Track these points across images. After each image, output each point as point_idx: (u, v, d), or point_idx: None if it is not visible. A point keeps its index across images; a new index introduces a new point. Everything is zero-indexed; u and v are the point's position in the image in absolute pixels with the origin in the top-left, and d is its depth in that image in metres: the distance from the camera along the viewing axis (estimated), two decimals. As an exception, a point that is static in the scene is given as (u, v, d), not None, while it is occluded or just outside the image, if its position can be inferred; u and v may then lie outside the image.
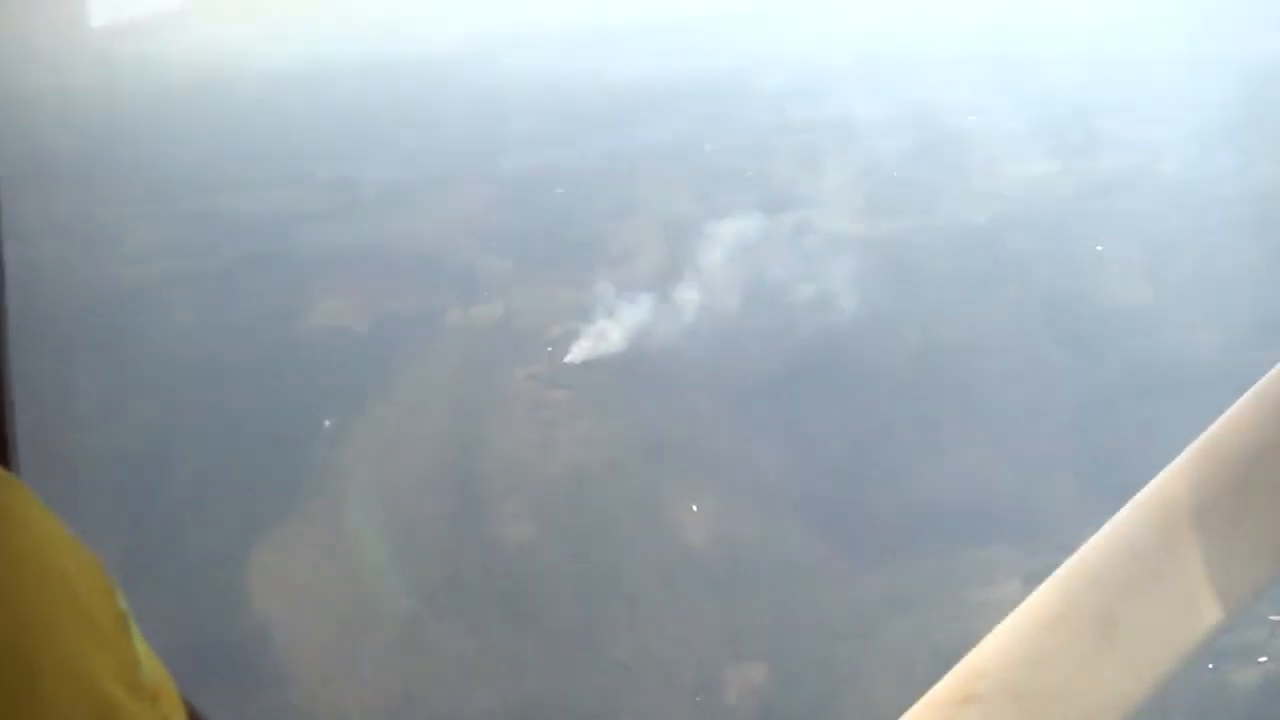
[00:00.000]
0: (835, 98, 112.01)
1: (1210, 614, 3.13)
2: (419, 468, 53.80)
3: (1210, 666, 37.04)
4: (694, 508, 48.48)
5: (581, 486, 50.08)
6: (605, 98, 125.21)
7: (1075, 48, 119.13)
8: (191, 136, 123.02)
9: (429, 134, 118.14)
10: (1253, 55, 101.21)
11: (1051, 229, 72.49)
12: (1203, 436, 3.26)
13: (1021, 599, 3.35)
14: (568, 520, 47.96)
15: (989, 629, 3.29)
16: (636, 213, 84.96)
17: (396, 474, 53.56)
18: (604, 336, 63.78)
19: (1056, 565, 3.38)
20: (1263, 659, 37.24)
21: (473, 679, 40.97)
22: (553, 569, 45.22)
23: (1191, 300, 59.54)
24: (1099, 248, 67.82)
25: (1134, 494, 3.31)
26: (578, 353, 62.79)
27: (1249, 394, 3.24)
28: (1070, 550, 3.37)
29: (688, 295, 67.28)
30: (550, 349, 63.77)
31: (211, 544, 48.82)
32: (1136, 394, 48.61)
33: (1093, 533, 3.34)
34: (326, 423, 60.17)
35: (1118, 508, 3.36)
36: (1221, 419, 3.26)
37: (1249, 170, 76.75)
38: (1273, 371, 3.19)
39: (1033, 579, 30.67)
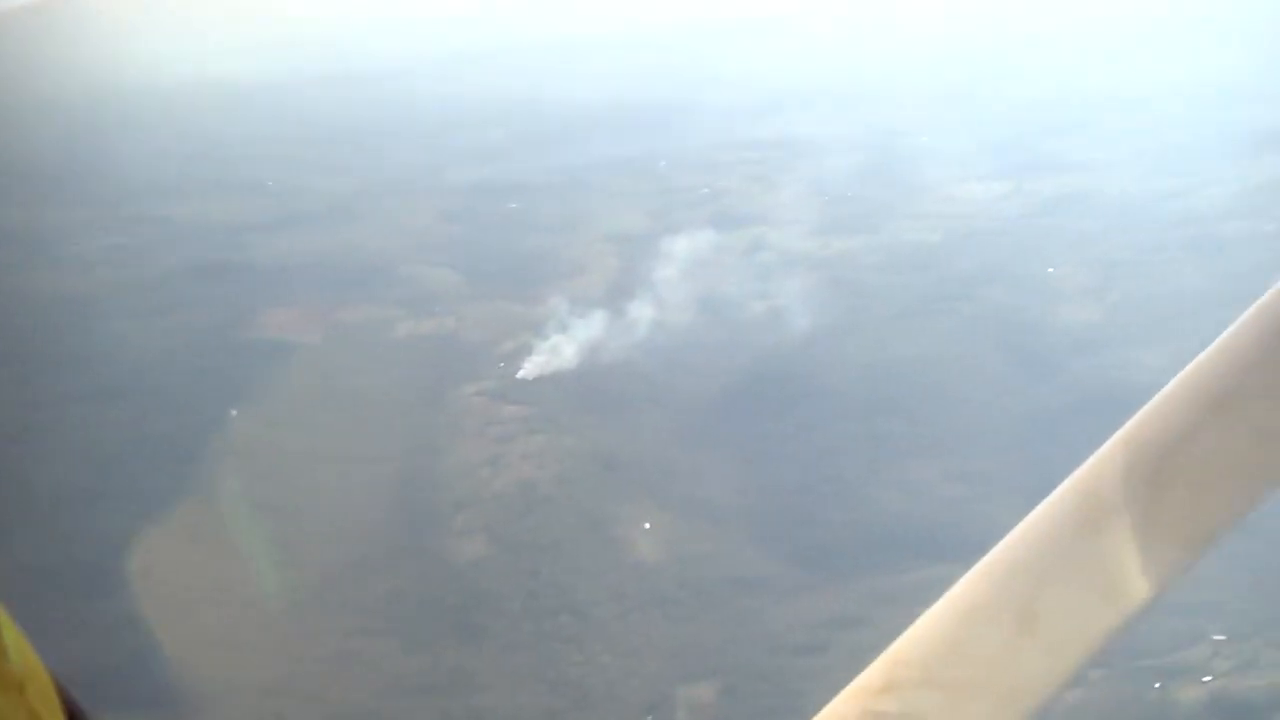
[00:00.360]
0: (789, 117, 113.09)
1: (1127, 602, 3.16)
2: (368, 481, 53.49)
3: (1157, 686, 37.44)
4: (645, 524, 48.43)
5: (532, 502, 49.91)
6: (559, 112, 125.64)
7: (1025, 70, 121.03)
8: (139, 142, 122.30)
9: (380, 145, 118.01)
10: (1198, 79, 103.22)
11: (1001, 248, 73.34)
12: (1123, 429, 3.34)
13: None
14: (518, 536, 47.75)
15: None
16: (589, 227, 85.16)
17: (345, 487, 53.24)
18: (556, 351, 63.72)
19: None
20: (1207, 678, 37.55)
21: (418, 696, 40.66)
22: (502, 585, 44.98)
23: (1139, 319, 60.24)
24: (1050, 269, 68.47)
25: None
26: (530, 368, 62.69)
27: (1169, 387, 3.30)
28: None
29: (640, 311, 67.38)
30: (501, 364, 63.66)
31: (144, 557, 48.30)
32: (1085, 411, 48.81)
33: None
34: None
35: None
36: (1141, 412, 3.34)
37: (1193, 191, 77.96)
38: (1190, 365, 3.29)
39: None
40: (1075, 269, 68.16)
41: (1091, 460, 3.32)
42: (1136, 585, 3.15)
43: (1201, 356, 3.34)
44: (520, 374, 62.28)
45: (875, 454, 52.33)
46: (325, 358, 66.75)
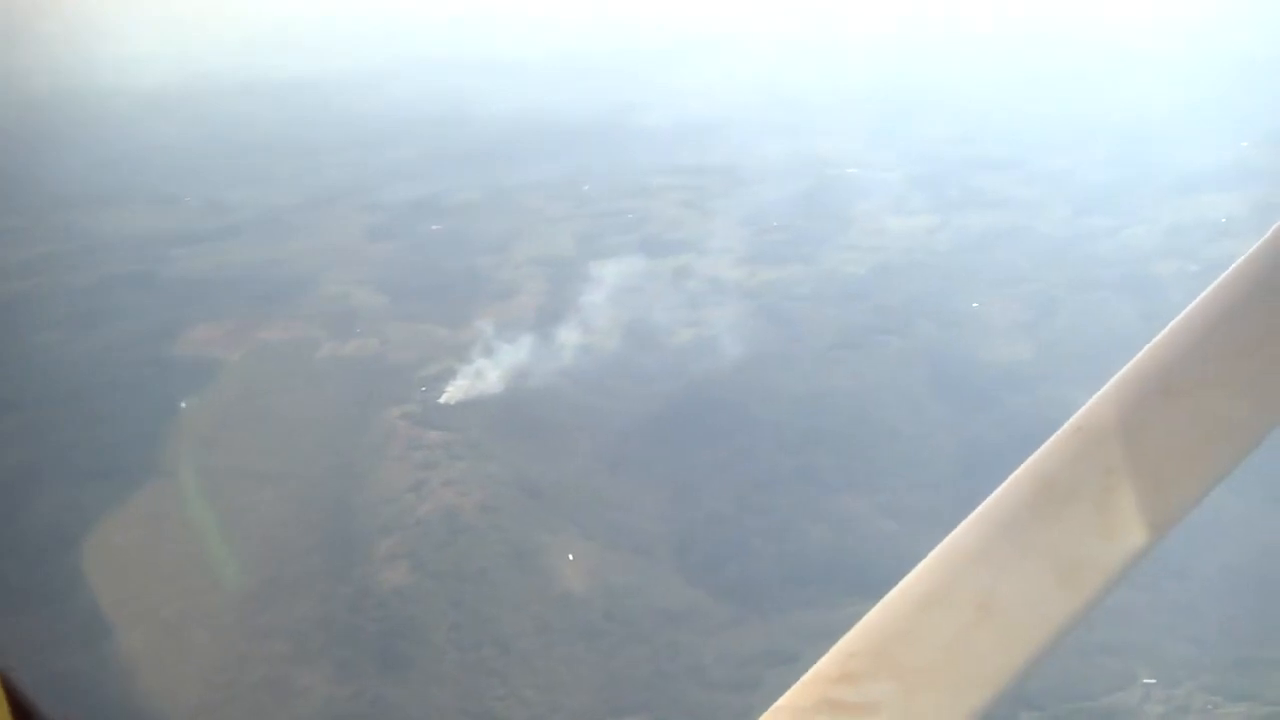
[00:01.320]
0: (719, 142, 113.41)
1: (1085, 589, 3.17)
2: (292, 503, 52.43)
3: (1087, 730, 37.47)
4: (570, 555, 47.81)
5: (456, 530, 49.16)
6: (488, 130, 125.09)
7: (958, 104, 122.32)
8: (60, 151, 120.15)
9: (307, 160, 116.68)
10: (1131, 117, 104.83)
11: (931, 282, 73.68)
12: (1077, 415, 3.31)
13: None
14: (441, 564, 46.95)
15: None
16: (516, 250, 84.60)
17: (269, 508, 52.15)
18: (481, 376, 63.05)
19: None
20: (1135, 725, 37.68)
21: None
22: (426, 614, 44.12)
23: (1070, 356, 60.59)
24: (978, 304, 68.90)
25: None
26: (454, 392, 61.95)
27: (1121, 373, 3.34)
28: None
29: (567, 336, 66.98)
30: (425, 388, 62.85)
31: (55, 576, 47.04)
32: (1015, 448, 48.80)
33: None
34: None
35: None
36: (1094, 399, 3.34)
37: (1122, 230, 79.02)
38: (1142, 352, 3.29)
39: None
40: (1006, 304, 68.79)
41: (1046, 447, 3.34)
42: (1093, 572, 3.17)
43: (1153, 343, 3.37)
44: (444, 398, 61.55)
45: (806, 486, 52.10)
46: (247, 375, 65.63)
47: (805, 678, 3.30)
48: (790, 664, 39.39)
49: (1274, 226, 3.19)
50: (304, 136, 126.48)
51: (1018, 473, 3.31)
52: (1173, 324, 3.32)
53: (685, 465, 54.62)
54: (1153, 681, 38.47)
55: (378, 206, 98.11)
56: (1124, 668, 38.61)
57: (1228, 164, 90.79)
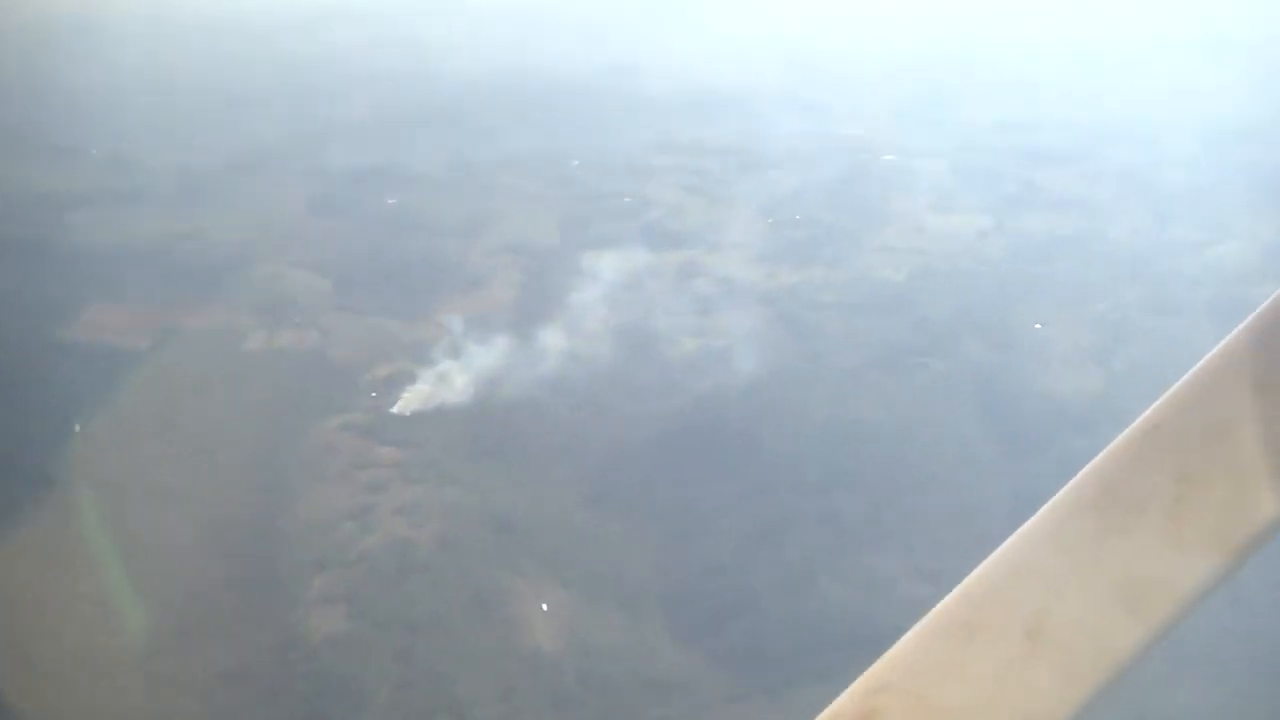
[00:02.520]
0: (732, 117, 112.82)
1: (1152, 614, 3.12)
2: (207, 528, 51.67)
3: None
4: (543, 604, 47.19)
5: (406, 568, 48.50)
6: (455, 89, 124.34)
7: (1010, 83, 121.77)
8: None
9: (234, 112, 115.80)
10: (1224, 111, 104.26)
11: (981, 295, 73.16)
12: (1147, 414, 3.38)
13: None
14: (388, 610, 46.29)
15: None
16: (489, 235, 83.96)
17: (178, 533, 51.36)
18: (443, 382, 62.43)
19: None
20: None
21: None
22: (366, 670, 43.49)
23: (1144, 393, 59.38)
24: (1039, 325, 68.43)
25: None
26: (409, 400, 61.34)
27: (1200, 366, 3.34)
28: None
29: (547, 339, 66.37)
30: (374, 394, 62.23)
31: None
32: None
33: None
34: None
35: None
36: (1169, 394, 3.37)
37: (1212, 245, 78.53)
38: (1228, 338, 3.30)
39: None
40: (1070, 326, 68.24)
41: (1111, 449, 3.38)
42: (1163, 595, 3.14)
43: (1240, 329, 3.39)
44: (396, 408, 60.95)
45: (827, 537, 51.58)
46: (160, 369, 64.78)
47: (823, 716, 3.39)
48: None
49: None
50: (232, 84, 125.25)
51: (1077, 478, 3.38)
52: (1263, 307, 3.35)
53: (683, 503, 54.10)
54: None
55: (318, 173, 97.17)
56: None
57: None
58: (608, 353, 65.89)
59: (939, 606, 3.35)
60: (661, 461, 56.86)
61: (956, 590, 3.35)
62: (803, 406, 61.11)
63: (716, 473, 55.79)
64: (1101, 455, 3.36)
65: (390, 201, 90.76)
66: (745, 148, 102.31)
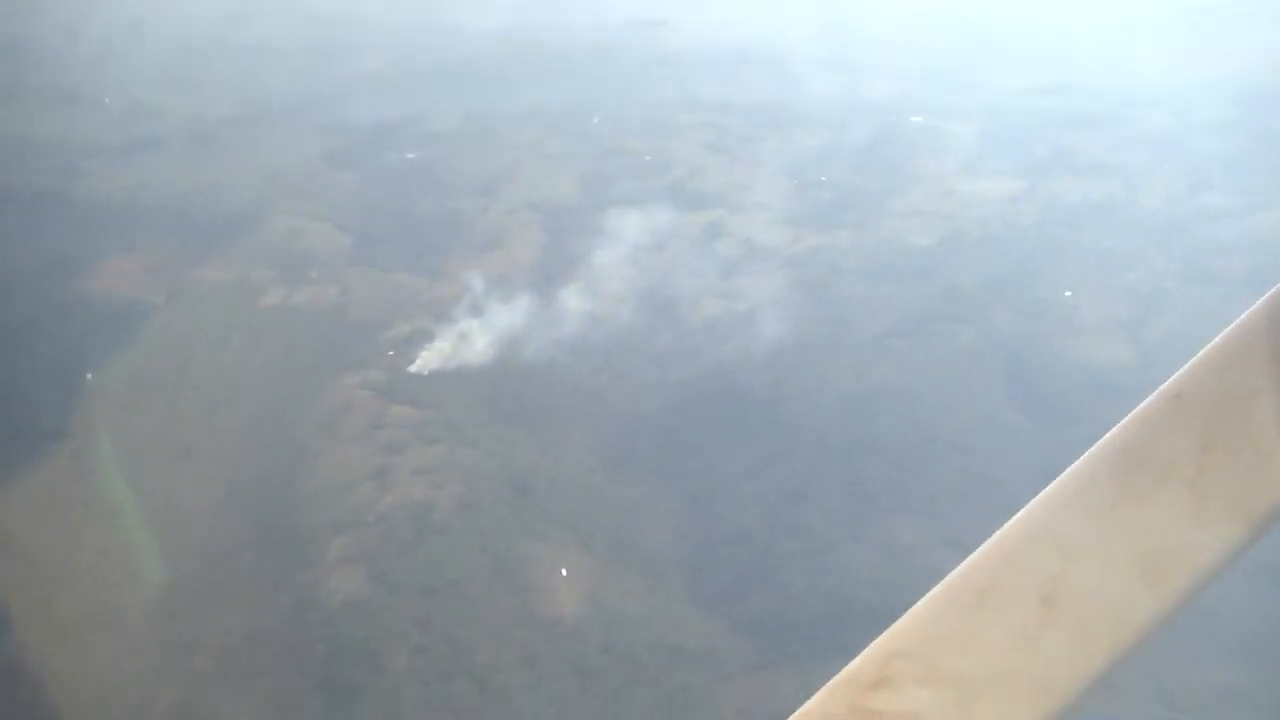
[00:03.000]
0: (756, 75, 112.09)
1: (1173, 585, 3.12)
2: (223, 484, 51.53)
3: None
4: (563, 570, 46.96)
5: (425, 531, 48.22)
6: (474, 42, 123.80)
7: (1045, 47, 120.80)
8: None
9: (253, 64, 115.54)
10: (1259, 77, 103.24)
11: (1011, 262, 72.59)
12: (1172, 380, 3.40)
13: None
14: (406, 573, 46.03)
15: None
16: (508, 191, 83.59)
17: (194, 489, 51.25)
18: (463, 342, 62.10)
19: None
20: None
21: (269, 768, 39.07)
22: (385, 635, 43.23)
23: (1177, 363, 59.05)
24: (1070, 293, 67.85)
25: None
26: (427, 359, 61.02)
27: (1217, 340, 3.34)
28: None
29: (568, 300, 66.02)
30: (392, 352, 61.94)
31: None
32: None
33: None
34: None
35: None
36: (1196, 359, 3.39)
37: (1251, 213, 77.71)
38: (1244, 315, 3.28)
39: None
40: (1103, 295, 67.56)
41: (1135, 414, 3.40)
42: (1184, 565, 3.16)
43: (1263, 299, 3.34)
44: (416, 366, 60.61)
45: (852, 505, 51.21)
46: (173, 324, 64.62)
47: (835, 680, 3.50)
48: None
49: None
50: (249, 35, 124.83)
51: (1099, 445, 3.42)
52: None
53: (705, 468, 53.81)
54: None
55: (336, 127, 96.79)
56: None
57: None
58: (629, 315, 65.48)
59: (955, 572, 3.44)
60: (683, 426, 56.54)
61: (973, 556, 3.45)
62: (826, 373, 60.72)
63: (739, 438, 55.46)
64: (1122, 423, 3.40)
65: (409, 156, 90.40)
66: (770, 106, 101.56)
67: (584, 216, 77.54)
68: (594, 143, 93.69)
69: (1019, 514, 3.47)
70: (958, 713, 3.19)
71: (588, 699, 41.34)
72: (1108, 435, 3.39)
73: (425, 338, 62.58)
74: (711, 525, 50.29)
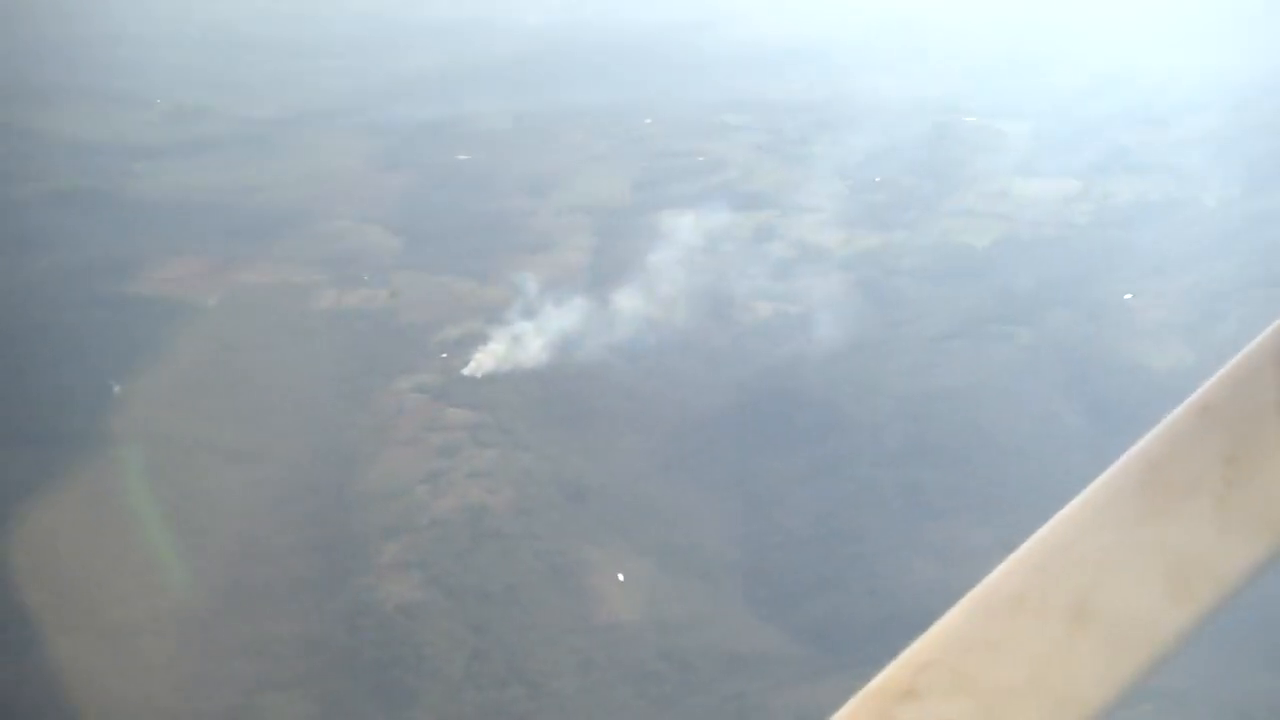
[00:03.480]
0: (809, 73, 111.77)
1: (1197, 599, 3.00)
2: (276, 489, 51.56)
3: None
4: (620, 574, 46.76)
5: (480, 535, 48.07)
6: (523, 42, 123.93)
7: (1099, 47, 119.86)
8: (2, 37, 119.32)
9: (302, 64, 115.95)
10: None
11: (1067, 263, 71.98)
12: (1198, 393, 3.19)
13: None
14: (462, 578, 45.92)
15: None
16: (558, 193, 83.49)
17: (247, 494, 51.26)
18: (515, 345, 61.97)
19: None
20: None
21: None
22: (440, 639, 43.11)
23: (1240, 367, 58.85)
24: (1129, 295, 67.16)
25: None
26: (480, 363, 60.90)
27: (1245, 352, 3.20)
28: None
29: (620, 303, 65.80)
30: (445, 354, 61.90)
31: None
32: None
33: None
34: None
35: None
36: (1223, 372, 3.22)
37: (1309, 215, 76.93)
38: (1272, 327, 3.12)
39: None
40: (1161, 297, 66.92)
41: (1162, 427, 3.23)
42: (1211, 577, 3.06)
43: None
44: (469, 369, 60.55)
45: (909, 509, 50.90)
46: (225, 326, 64.85)
47: (865, 691, 3.29)
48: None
49: None
50: (297, 36, 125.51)
51: (1125, 457, 3.23)
52: None
53: (760, 473, 53.68)
54: None
55: (385, 128, 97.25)
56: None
57: None
58: (681, 317, 65.40)
59: (983, 583, 3.17)
60: (737, 430, 56.36)
61: (1001, 567, 3.20)
62: (882, 375, 60.39)
63: (794, 442, 55.20)
64: (1149, 435, 3.18)
65: (461, 157, 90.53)
66: (821, 106, 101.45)
67: (634, 218, 77.51)
68: (644, 144, 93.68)
69: (1046, 526, 3.21)
70: None
71: (643, 705, 41.17)
72: (1134, 448, 3.17)
73: (477, 340, 62.52)
74: (767, 530, 50.08)
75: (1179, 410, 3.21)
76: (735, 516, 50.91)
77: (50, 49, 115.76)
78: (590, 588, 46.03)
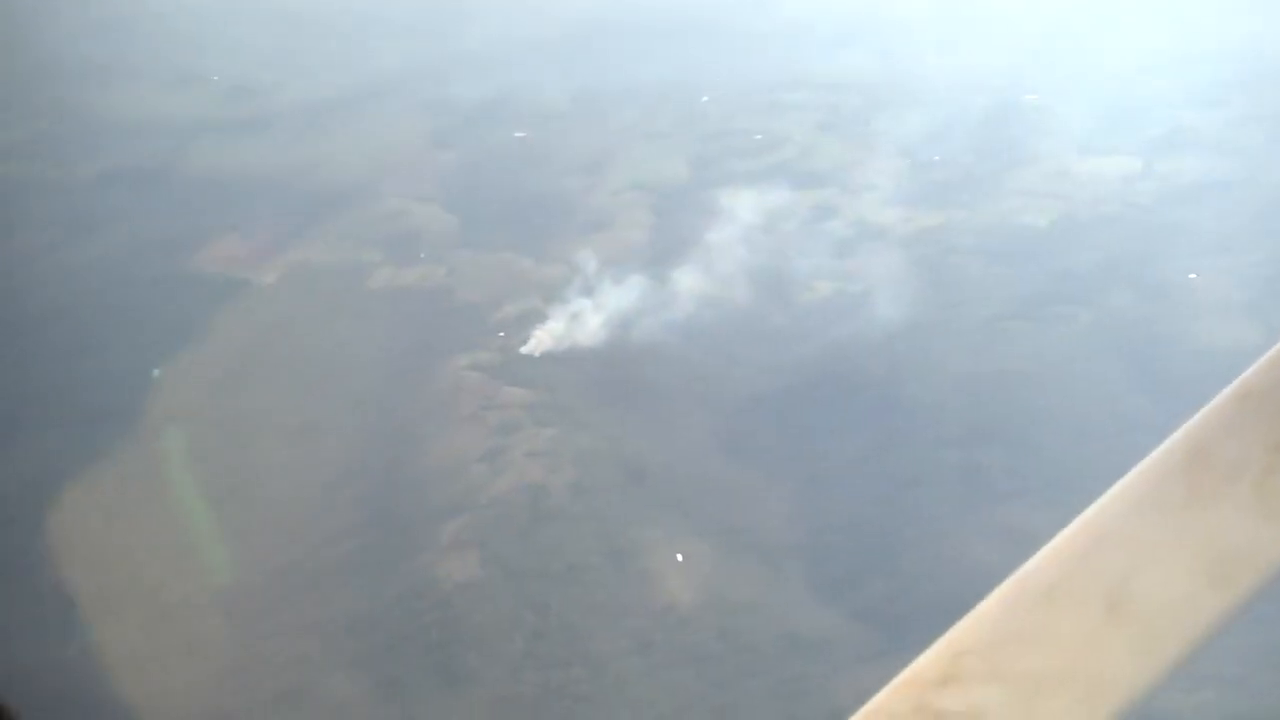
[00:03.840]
0: (867, 50, 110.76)
1: (1235, 587, 3.07)
2: (333, 466, 51.60)
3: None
4: (679, 555, 46.53)
5: (540, 515, 47.90)
6: (579, 16, 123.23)
7: (1160, 23, 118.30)
8: (58, 13, 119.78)
9: (359, 42, 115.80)
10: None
11: (1129, 242, 71.13)
12: (1240, 379, 3.29)
13: None
14: (521, 557, 45.79)
15: None
16: (615, 171, 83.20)
17: (304, 471, 51.35)
18: (573, 323, 61.78)
19: None
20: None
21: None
22: (499, 620, 43.05)
23: (1306, 347, 58.13)
24: (1193, 275, 66.32)
25: None
26: (538, 341, 60.76)
27: None
28: None
29: (678, 281, 65.45)
30: (503, 333, 61.79)
31: (43, 544, 46.61)
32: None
33: None
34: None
35: None
36: (1259, 362, 3.29)
37: (1378, 193, 75.80)
38: None
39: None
40: (1225, 276, 66.01)
41: (1202, 414, 3.28)
42: (1251, 565, 3.10)
43: None
44: (527, 347, 60.43)
45: (970, 491, 50.45)
46: (283, 304, 64.96)
47: (901, 678, 3.36)
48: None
49: None
50: (352, 14, 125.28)
51: (1165, 445, 3.29)
52: None
53: (821, 453, 53.31)
54: None
55: (440, 105, 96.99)
56: None
57: None
58: (740, 296, 64.99)
59: (1021, 570, 3.32)
60: (797, 410, 55.97)
61: (1039, 555, 3.32)
62: (942, 355, 59.85)
63: (854, 423, 54.81)
64: (1190, 422, 3.29)
65: (518, 135, 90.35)
66: (880, 84, 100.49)
67: (692, 196, 77.10)
68: (701, 121, 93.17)
69: (1085, 513, 3.31)
70: (1023, 711, 3.15)
71: (703, 687, 40.98)
72: (1175, 435, 3.26)
73: (535, 318, 62.37)
74: (827, 511, 49.75)
75: (1219, 397, 3.30)
76: (795, 497, 50.58)
77: (101, 26, 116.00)
78: (650, 568, 45.81)
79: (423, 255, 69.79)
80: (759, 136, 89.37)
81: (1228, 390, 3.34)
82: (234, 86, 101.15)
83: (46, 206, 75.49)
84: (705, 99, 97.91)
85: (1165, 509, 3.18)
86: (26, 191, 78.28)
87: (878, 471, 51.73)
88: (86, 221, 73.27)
